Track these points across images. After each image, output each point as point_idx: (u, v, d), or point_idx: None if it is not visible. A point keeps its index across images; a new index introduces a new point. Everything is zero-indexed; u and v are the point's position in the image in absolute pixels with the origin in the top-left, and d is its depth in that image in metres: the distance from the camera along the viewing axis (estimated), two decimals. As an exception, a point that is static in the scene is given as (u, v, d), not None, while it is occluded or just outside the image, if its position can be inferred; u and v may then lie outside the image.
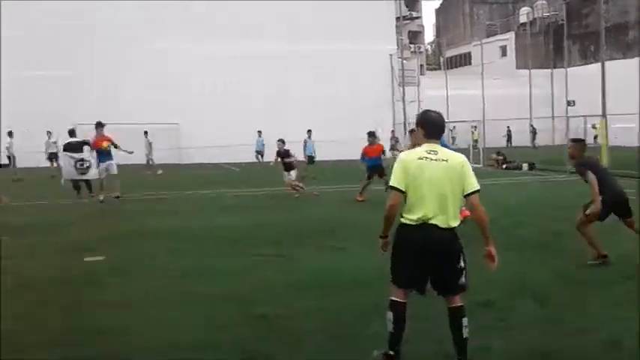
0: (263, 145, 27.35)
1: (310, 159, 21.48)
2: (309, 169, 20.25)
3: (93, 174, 14.65)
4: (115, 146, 14.03)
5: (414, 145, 4.80)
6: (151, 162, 25.60)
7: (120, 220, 11.48)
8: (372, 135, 14.29)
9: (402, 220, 3.85)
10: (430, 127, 3.99)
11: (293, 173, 14.86)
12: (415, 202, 3.79)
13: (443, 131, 4.10)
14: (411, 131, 12.54)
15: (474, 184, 3.84)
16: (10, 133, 22.66)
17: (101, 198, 13.64)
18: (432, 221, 3.76)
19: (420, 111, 4.49)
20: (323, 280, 6.47)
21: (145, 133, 25.61)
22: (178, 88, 31.08)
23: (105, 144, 13.81)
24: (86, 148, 14.64)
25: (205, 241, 9.01)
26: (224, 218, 11.36)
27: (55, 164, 22.08)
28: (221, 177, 22.50)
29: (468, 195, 3.83)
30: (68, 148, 14.68)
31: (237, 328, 5.02)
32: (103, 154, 13.85)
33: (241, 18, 31.60)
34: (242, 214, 11.88)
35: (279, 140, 15.28)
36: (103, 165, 13.81)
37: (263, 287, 6.29)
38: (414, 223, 3.78)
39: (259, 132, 27.89)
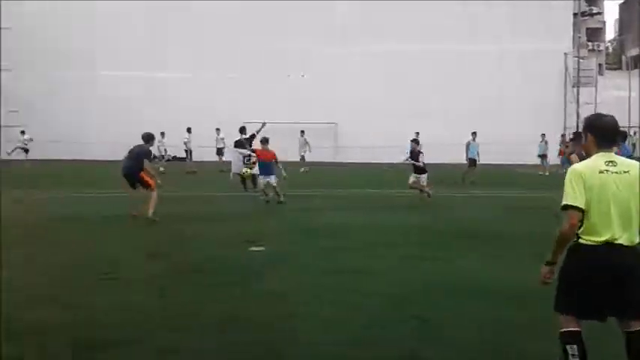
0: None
1: (472, 161, 20.64)
2: (469, 172, 19.60)
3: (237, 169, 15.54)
4: (276, 162, 13.78)
5: (579, 154, 4.14)
6: (303, 159, 26.58)
7: (280, 215, 11.98)
8: (578, 136, 11.29)
9: (582, 241, 3.39)
10: (603, 133, 3.47)
11: (423, 177, 14.23)
12: (599, 222, 3.34)
13: (618, 138, 3.65)
14: (575, 137, 11.19)
15: None
16: (188, 130, 25.10)
17: (281, 199, 13.43)
18: (619, 241, 3.33)
19: (589, 115, 3.88)
20: (480, 287, 6.14)
21: (302, 132, 26.68)
22: (337, 87, 31.82)
23: (269, 159, 13.66)
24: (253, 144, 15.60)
25: (360, 239, 9.05)
26: (378, 217, 11.34)
27: (222, 159, 24.05)
28: (376, 177, 22.58)
29: None
30: (238, 144, 15.75)
31: (393, 327, 4.95)
32: (266, 168, 13.67)
33: (412, 18, 31.51)
34: (396, 214, 11.78)
35: (412, 140, 14.88)
36: (263, 179, 13.62)
37: (419, 289, 6.16)
38: (598, 244, 3.34)
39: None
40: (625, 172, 3.36)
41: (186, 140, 25.37)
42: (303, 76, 32.52)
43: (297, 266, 7.24)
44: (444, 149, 25.65)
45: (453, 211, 12.54)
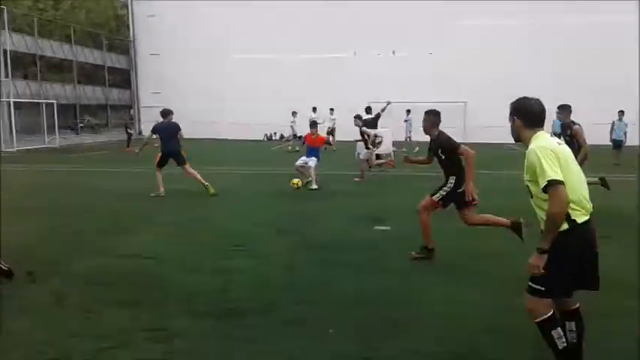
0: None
1: (615, 143, 18.83)
2: (615, 154, 18.11)
3: (384, 149, 15.54)
4: (328, 144, 14.28)
5: None
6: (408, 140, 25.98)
7: (406, 195, 11.84)
8: None
9: (577, 219, 3.22)
10: (533, 115, 3.47)
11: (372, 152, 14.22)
12: (580, 194, 3.26)
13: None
14: None
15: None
16: (294, 113, 25.85)
17: (314, 187, 12.39)
18: (591, 210, 3.32)
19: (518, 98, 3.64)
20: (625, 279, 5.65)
21: (408, 111, 25.92)
22: (466, 66, 30.68)
23: (317, 144, 13.19)
24: (379, 123, 15.62)
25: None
26: (503, 200, 10.81)
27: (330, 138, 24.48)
28: (507, 158, 21.55)
29: None
30: (365, 124, 15.83)
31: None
32: (313, 151, 13.08)
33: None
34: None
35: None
36: (302, 159, 12.97)
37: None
38: (587, 218, 3.26)
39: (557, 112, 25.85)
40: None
41: (292, 124, 26.11)
42: (430, 53, 31.73)
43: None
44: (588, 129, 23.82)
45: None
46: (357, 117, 14.86)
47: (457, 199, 6.34)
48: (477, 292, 5.35)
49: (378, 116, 16.05)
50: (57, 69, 38.03)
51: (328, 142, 14.05)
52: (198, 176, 11.42)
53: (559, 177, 3.11)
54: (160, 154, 11.35)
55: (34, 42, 30.81)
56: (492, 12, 30.15)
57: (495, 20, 30.33)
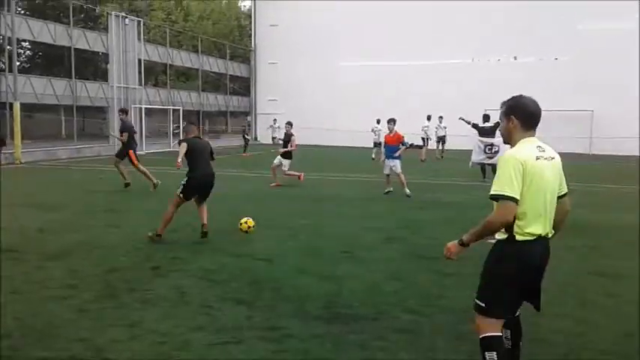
0: None
1: None
2: None
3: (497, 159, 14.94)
4: (404, 145, 12.89)
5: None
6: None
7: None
8: None
9: (517, 235, 3.09)
10: (528, 116, 3.24)
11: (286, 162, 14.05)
12: (532, 214, 3.08)
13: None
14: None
15: (565, 186, 3.32)
16: (428, 117, 25.07)
17: (407, 192, 12.31)
18: (548, 235, 3.18)
19: (513, 96, 3.36)
20: None
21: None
22: (595, 70, 28.72)
23: (394, 142, 12.82)
24: (497, 133, 15.03)
25: (613, 239, 8.09)
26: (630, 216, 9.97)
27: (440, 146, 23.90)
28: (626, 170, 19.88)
29: (562, 197, 3.28)
30: (482, 132, 15.42)
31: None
32: (390, 150, 12.82)
33: None
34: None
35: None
36: (387, 163, 12.78)
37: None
38: (532, 239, 3.10)
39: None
40: (552, 157, 3.18)
41: (425, 128, 25.30)
42: (556, 59, 30.11)
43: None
44: None
45: None
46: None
47: None
48: (597, 313, 4.99)
49: (497, 124, 15.52)
50: (184, 77, 40.66)
51: (405, 143, 12.90)
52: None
53: (511, 193, 2.99)
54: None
55: (165, 52, 33.16)
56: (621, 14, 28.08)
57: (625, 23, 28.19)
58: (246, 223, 7.99)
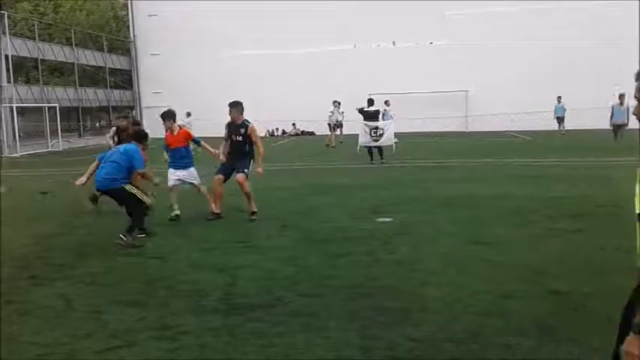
0: (564, 110, 25.43)
1: (616, 127, 18.88)
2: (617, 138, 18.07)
3: (385, 140, 15.59)
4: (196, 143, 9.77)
5: None
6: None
7: (407, 186, 11.89)
8: None
9: None
10: None
11: None
12: None
13: None
14: None
15: None
16: (334, 103, 24.37)
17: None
18: None
19: None
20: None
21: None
22: (468, 54, 30.61)
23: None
24: (380, 116, 15.67)
25: (491, 210, 8.75)
26: (510, 188, 10.84)
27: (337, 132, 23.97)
28: (510, 145, 21.55)
29: None
30: (367, 116, 15.94)
31: (530, 300, 4.77)
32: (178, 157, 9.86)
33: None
34: (530, 185, 11.17)
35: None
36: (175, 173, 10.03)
37: (556, 262, 5.83)
38: None
39: (559, 97, 25.80)
40: None
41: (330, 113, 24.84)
42: (431, 43, 31.66)
43: (426, 237, 7.18)
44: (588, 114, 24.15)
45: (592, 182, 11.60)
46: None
47: None
48: (476, 279, 5.39)
49: (378, 111, 16.21)
50: (58, 72, 38.14)
51: (197, 141, 9.17)
52: None
53: None
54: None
55: (34, 46, 30.89)
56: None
57: (492, 7, 30.17)
58: None
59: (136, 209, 7.45)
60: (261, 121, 33.70)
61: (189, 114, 27.11)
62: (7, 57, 26.34)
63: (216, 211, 8.65)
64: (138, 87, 37.92)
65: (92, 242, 7.51)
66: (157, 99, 33.59)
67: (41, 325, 4.61)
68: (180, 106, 27.56)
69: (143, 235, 7.54)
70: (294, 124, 33.26)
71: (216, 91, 33.26)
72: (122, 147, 7.87)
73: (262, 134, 32.89)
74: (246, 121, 8.70)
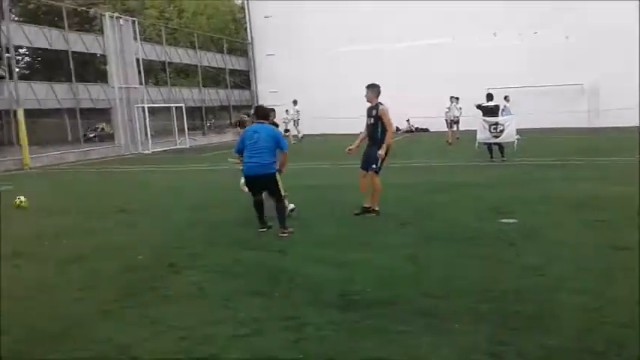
0: None
1: None
2: None
3: (506, 136, 14.99)
4: None
5: None
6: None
7: (530, 185, 11.32)
8: None
9: None
10: None
11: None
12: None
13: None
14: None
15: None
16: (452, 99, 23.63)
17: None
18: None
19: None
20: None
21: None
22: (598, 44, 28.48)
23: None
24: (500, 112, 15.12)
25: (624, 211, 8.10)
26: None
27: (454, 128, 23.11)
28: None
29: None
30: (485, 111, 15.43)
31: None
32: None
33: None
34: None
35: None
36: None
37: None
38: None
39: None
40: None
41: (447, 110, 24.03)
42: (535, 33, 29.87)
43: (554, 239, 6.79)
44: None
45: None
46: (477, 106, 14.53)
47: None
48: (616, 286, 5.01)
49: (497, 106, 15.65)
50: (184, 74, 40.58)
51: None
52: None
53: None
54: None
55: (162, 50, 33.10)
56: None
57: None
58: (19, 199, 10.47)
59: (280, 198, 7.69)
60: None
61: (295, 102, 28.10)
62: (138, 60, 28.47)
63: (367, 205, 8.73)
64: (255, 86, 39.41)
65: (218, 234, 7.91)
66: (274, 98, 34.70)
67: (179, 310, 4.95)
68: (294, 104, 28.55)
69: (264, 230, 7.80)
70: (408, 121, 32.77)
71: (329, 88, 33.90)
72: (262, 131, 7.70)
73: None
74: (380, 103, 8.56)
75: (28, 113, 23.21)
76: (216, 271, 6.08)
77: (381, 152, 8.39)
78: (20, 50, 37.55)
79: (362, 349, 4.02)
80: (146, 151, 26.94)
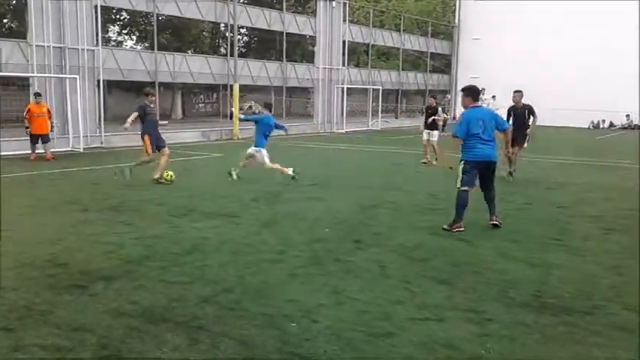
0: None
1: None
2: None
3: None
4: None
5: None
6: None
7: None
8: None
9: None
10: None
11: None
12: None
13: None
14: None
15: None
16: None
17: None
18: None
19: None
20: None
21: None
22: None
23: None
24: None
25: None
26: None
27: None
28: None
29: None
30: None
31: None
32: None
33: None
34: None
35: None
36: None
37: None
38: None
39: None
40: None
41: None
42: None
43: None
44: None
45: None
46: None
47: None
48: None
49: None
50: (385, 56, 41.09)
51: None
52: None
53: None
54: None
55: (368, 32, 33.79)
56: None
57: None
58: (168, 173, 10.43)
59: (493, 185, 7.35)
60: (584, 111, 31.11)
61: (494, 97, 26.76)
62: (344, 42, 29.45)
63: None
64: (456, 71, 38.47)
65: (403, 217, 7.92)
66: (475, 84, 33.52)
67: (361, 285, 5.06)
68: (494, 91, 27.26)
69: (462, 230, 7.09)
70: (627, 116, 29.39)
71: (533, 77, 31.74)
72: (487, 112, 7.62)
73: (585, 126, 30.01)
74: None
75: (241, 89, 25.43)
76: (399, 253, 6.09)
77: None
78: (241, 30, 41.19)
79: (554, 356, 3.72)
80: (340, 130, 27.96)
